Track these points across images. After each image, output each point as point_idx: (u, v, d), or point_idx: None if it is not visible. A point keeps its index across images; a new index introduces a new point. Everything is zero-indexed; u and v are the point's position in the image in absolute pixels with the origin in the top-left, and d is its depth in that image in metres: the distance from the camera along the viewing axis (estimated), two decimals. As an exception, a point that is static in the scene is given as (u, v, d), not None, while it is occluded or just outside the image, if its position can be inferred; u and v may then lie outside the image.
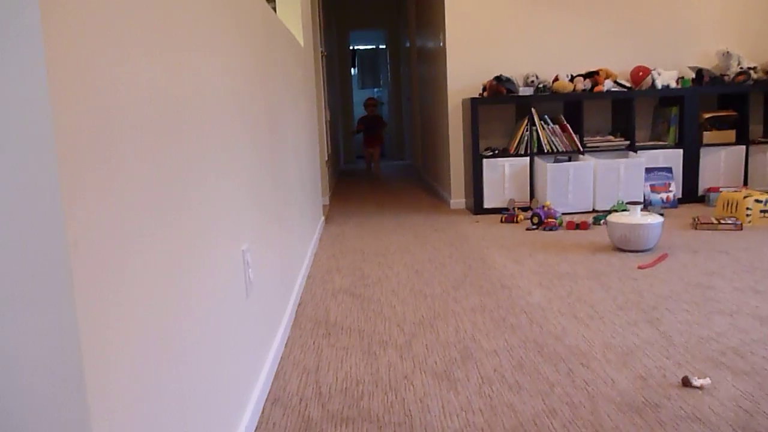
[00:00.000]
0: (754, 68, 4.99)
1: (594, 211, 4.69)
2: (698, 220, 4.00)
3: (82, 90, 0.81)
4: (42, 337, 0.76)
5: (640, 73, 4.91)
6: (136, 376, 0.94)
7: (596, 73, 4.92)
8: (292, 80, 3.18)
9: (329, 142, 6.31)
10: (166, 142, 1.12)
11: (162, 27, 1.14)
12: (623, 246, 3.44)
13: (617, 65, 5.03)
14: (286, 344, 2.25)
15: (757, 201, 4.01)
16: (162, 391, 1.04)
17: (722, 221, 3.92)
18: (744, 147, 4.97)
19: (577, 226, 4.12)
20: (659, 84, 4.89)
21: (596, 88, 4.87)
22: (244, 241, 1.72)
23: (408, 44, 9.24)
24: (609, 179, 4.70)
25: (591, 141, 4.94)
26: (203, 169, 1.36)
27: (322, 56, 5.70)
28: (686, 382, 1.79)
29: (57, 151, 0.73)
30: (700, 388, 1.77)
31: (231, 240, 1.58)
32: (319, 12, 5.71)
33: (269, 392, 1.87)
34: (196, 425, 1.22)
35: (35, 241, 0.74)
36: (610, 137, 5.00)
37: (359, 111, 11.51)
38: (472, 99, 4.79)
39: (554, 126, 4.88)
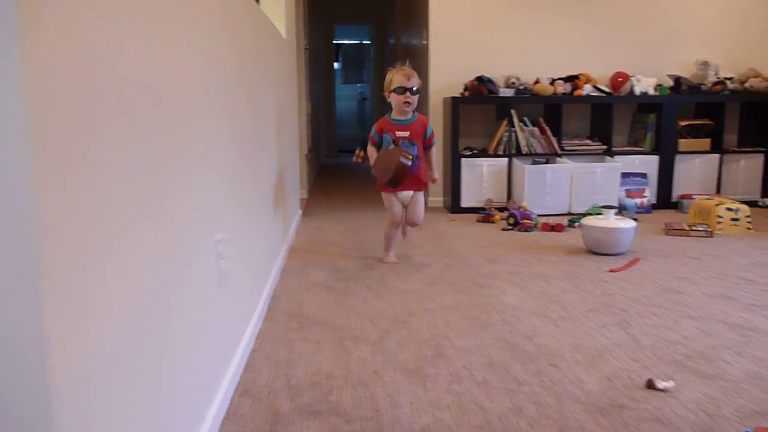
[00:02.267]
0: (731, 79, 5.07)
1: (569, 213, 4.73)
2: (671, 226, 4.06)
3: (58, 77, 0.81)
4: (10, 327, 0.75)
5: (620, 79, 4.96)
6: (104, 364, 0.93)
7: (576, 77, 4.96)
8: (274, 72, 3.17)
9: (310, 136, 6.29)
10: (142, 131, 1.12)
11: (141, 16, 1.13)
12: (597, 249, 3.48)
13: (597, 70, 5.08)
14: (258, 336, 2.25)
15: (729, 209, 4.08)
16: (131, 379, 1.04)
17: (694, 228, 3.98)
18: (718, 156, 5.05)
19: (552, 228, 4.16)
20: (638, 90, 4.94)
21: (576, 92, 4.91)
22: (219, 231, 1.71)
23: (392, 41, 9.24)
24: (585, 183, 4.75)
25: (569, 144, 4.98)
26: (179, 158, 1.35)
27: (305, 49, 5.68)
28: (651, 385, 1.82)
29: (30, 144, 0.73)
30: (665, 390, 1.80)
31: (204, 229, 1.57)
32: (303, 4, 5.68)
33: (239, 383, 1.87)
34: (165, 414, 1.21)
35: (6, 230, 0.74)
36: (588, 141, 5.05)
37: (342, 105, 11.49)
38: (453, 98, 4.81)
39: (533, 128, 4.91)
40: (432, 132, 3.31)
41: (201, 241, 1.54)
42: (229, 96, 1.94)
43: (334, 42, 11.26)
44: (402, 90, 3.16)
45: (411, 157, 3.13)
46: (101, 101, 0.95)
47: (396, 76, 3.19)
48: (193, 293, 1.45)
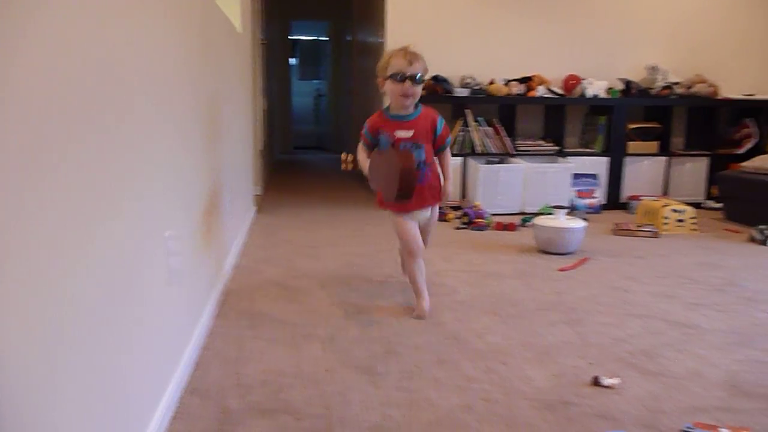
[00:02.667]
0: (678, 83, 5.22)
1: (522, 213, 4.80)
2: (619, 226, 4.16)
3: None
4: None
5: (572, 82, 5.06)
6: (47, 362, 0.91)
7: (530, 78, 5.04)
8: (228, 67, 3.13)
9: (265, 132, 6.23)
10: (85, 127, 1.09)
11: (93, 15, 1.11)
12: (547, 248, 3.54)
13: (551, 72, 5.16)
14: (209, 334, 2.22)
15: (674, 210, 4.20)
16: (76, 378, 1.01)
17: (641, 228, 4.09)
18: (665, 158, 5.20)
19: (505, 227, 4.22)
20: (590, 93, 5.05)
21: (530, 93, 4.99)
22: (168, 227, 1.69)
23: (349, 38, 9.22)
24: (538, 183, 4.83)
25: (522, 144, 5.05)
26: (125, 152, 1.32)
27: (261, 44, 5.62)
28: (596, 382, 1.87)
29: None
30: (610, 387, 1.85)
31: (153, 225, 1.55)
32: (260, -1, 5.62)
33: (188, 382, 1.84)
34: (112, 413, 1.19)
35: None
36: (541, 142, 5.13)
37: (298, 101, 11.43)
38: (409, 96, 4.82)
39: (488, 128, 4.97)
40: (445, 127, 2.52)
41: (150, 238, 1.51)
42: (178, 92, 1.91)
43: (291, 37, 11.18)
44: (401, 77, 2.34)
45: (413, 155, 2.37)
46: (38, 98, 0.93)
47: (394, 59, 2.36)
48: (141, 291, 1.42)
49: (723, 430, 1.60)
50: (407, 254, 2.51)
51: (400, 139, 2.41)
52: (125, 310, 1.30)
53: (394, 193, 2.28)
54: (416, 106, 2.44)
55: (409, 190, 2.30)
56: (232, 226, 3.26)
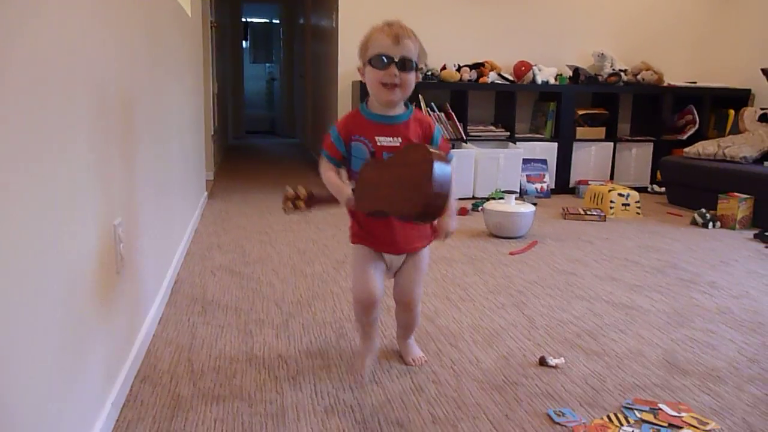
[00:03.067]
0: (625, 71, 5.35)
1: (473, 197, 4.87)
2: (567, 210, 4.26)
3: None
4: None
5: (522, 68, 5.13)
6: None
7: (482, 64, 5.09)
8: (177, 51, 3.08)
9: (217, 116, 6.15)
10: (30, 110, 1.07)
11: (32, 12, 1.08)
12: (498, 232, 3.60)
13: (502, 59, 5.23)
14: (160, 321, 2.21)
15: (620, 195, 4.32)
16: (26, 366, 1.00)
17: (588, 212, 4.20)
18: (612, 144, 5.33)
19: (457, 212, 4.27)
20: (539, 80, 5.13)
21: (481, 79, 5.05)
22: (117, 215, 1.67)
23: (302, 21, 9.14)
24: (489, 168, 4.90)
25: (474, 130, 5.11)
26: (70, 136, 1.30)
27: (211, 27, 5.53)
28: (543, 362, 1.93)
29: None
30: (555, 367, 1.91)
31: (101, 213, 1.53)
32: (210, -20, 5.53)
33: (139, 370, 1.83)
34: (59, 397, 1.18)
35: None
36: (492, 127, 5.20)
37: (250, 86, 11.29)
38: (361, 83, 4.81)
39: (440, 113, 5.01)
40: (444, 140, 1.85)
41: (98, 224, 1.49)
42: (125, 76, 1.88)
43: (242, 20, 11.02)
44: (383, 61, 1.66)
45: (449, 146, 1.81)
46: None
47: (375, 36, 1.70)
48: (90, 279, 1.41)
49: (661, 405, 1.67)
50: (355, 301, 1.82)
51: (382, 149, 1.70)
52: (74, 298, 1.29)
53: (416, 209, 1.49)
54: (406, 105, 1.76)
55: (442, 202, 1.49)
56: (184, 211, 3.23)
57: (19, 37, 1.03)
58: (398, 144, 1.71)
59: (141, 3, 2.13)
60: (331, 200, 1.75)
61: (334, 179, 1.73)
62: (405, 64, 1.66)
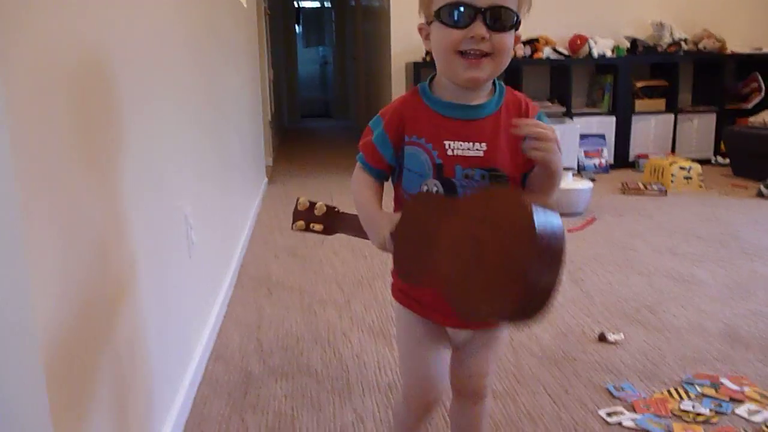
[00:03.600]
0: (685, 40, 5.19)
1: (530, 175, 4.84)
2: (626, 185, 4.20)
3: (14, 41, 0.85)
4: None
5: (578, 42, 5.05)
6: (83, 331, 1.00)
7: (536, 40, 5.03)
8: (235, 42, 3.17)
9: (273, 102, 6.28)
10: (108, 107, 1.16)
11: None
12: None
13: (556, 33, 5.15)
14: (229, 303, 2.32)
15: (681, 168, 4.24)
16: (108, 346, 1.10)
17: (648, 187, 4.13)
18: (673, 115, 5.21)
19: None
20: (596, 53, 5.04)
21: (535, 55, 4.99)
22: (187, 203, 1.76)
23: (353, 2, 9.17)
24: (545, 144, 4.85)
25: (529, 107, 5.07)
26: (146, 132, 1.39)
27: (265, 15, 5.63)
28: (602, 338, 1.95)
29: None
30: (615, 342, 1.93)
31: (173, 201, 1.62)
32: (262, -32, 5.62)
33: (212, 349, 1.94)
34: (143, 379, 1.28)
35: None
36: (548, 103, 5.15)
37: (304, 70, 11.43)
38: (415, 63, 4.84)
39: (494, 91, 4.98)
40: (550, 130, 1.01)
41: (171, 213, 1.59)
42: (187, 69, 1.97)
43: (294, 5, 11.13)
44: (461, 15, 0.98)
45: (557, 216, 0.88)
46: (50, 77, 0.99)
47: None
48: (165, 263, 1.51)
49: (723, 379, 1.68)
50: (406, 400, 1.20)
51: (455, 161, 1.04)
52: (152, 283, 1.39)
53: (504, 307, 0.90)
54: (494, 84, 1.08)
55: (549, 288, 0.90)
56: (246, 196, 3.34)
57: (117, 41, 1.12)
58: (482, 153, 1.03)
59: (204, 1, 2.22)
60: (360, 231, 1.17)
61: (368, 202, 1.12)
62: (499, 18, 0.98)
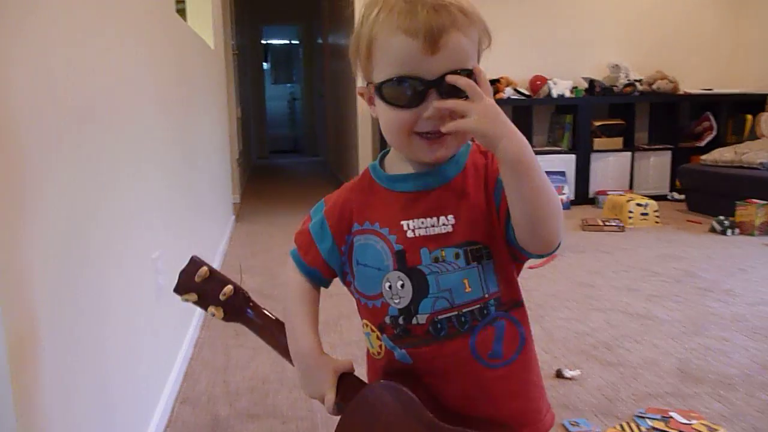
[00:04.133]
0: (640, 80, 5.41)
1: (494, 211, 4.94)
2: (586, 221, 4.33)
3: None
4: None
5: (538, 82, 5.22)
6: (50, 381, 1.03)
7: (497, 80, 5.20)
8: (203, 84, 3.24)
9: (241, 139, 6.33)
10: (77, 154, 1.21)
11: (73, 39, 1.22)
12: (517, 246, 3.69)
13: (517, 74, 5.32)
14: (196, 345, 2.34)
15: (638, 204, 4.39)
16: (70, 390, 1.13)
17: (607, 223, 4.27)
18: (630, 153, 5.39)
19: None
20: (555, 93, 5.22)
21: (497, 95, 5.15)
22: (156, 248, 1.80)
23: (320, 41, 9.33)
24: (508, 182, 4.98)
25: (492, 145, 5.21)
26: (115, 180, 1.44)
27: (233, 54, 5.72)
28: (559, 374, 2.01)
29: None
30: (572, 379, 2.00)
31: (142, 248, 1.66)
32: (230, 7, 5.72)
33: (179, 392, 1.96)
34: (108, 422, 1.31)
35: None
36: (510, 142, 5.29)
37: (272, 106, 11.51)
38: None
39: (458, 130, 5.11)
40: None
41: (139, 259, 1.63)
42: (157, 116, 2.02)
43: (262, 42, 11.25)
44: (409, 91, 0.79)
45: None
46: (34, 115, 1.04)
47: (383, 24, 0.79)
48: (133, 310, 1.54)
49: (673, 413, 1.75)
50: None
51: (417, 243, 0.85)
52: (119, 329, 1.42)
53: None
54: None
55: None
56: (214, 237, 3.37)
57: (80, 85, 1.17)
58: (450, 228, 0.85)
59: (172, 48, 2.28)
60: (285, 352, 0.98)
61: (301, 330, 0.96)
62: (455, 88, 0.78)
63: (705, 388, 1.92)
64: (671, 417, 1.73)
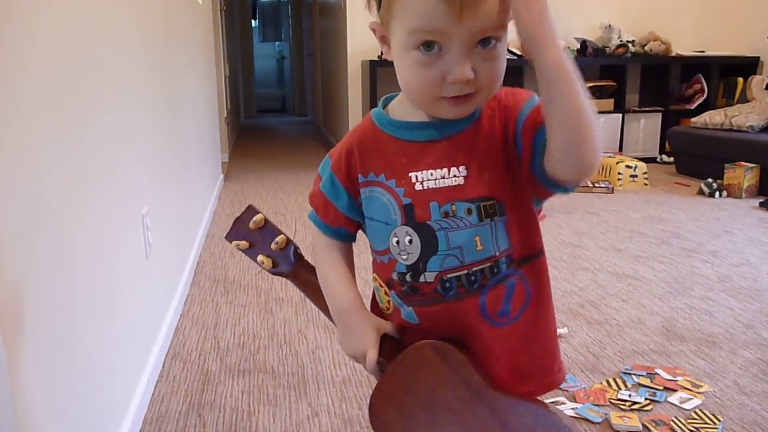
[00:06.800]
0: (633, 41, 5.37)
1: (484, 172, 4.94)
2: (575, 183, 4.34)
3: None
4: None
5: (530, 42, 5.16)
6: (39, 329, 1.03)
7: (489, 40, 5.13)
8: (190, 40, 3.18)
9: (229, 98, 6.26)
10: (61, 109, 1.19)
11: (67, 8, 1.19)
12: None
13: (509, 34, 5.25)
14: (186, 302, 2.34)
15: (628, 166, 4.40)
16: (64, 346, 1.13)
17: (596, 184, 4.28)
18: (621, 115, 5.38)
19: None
20: (547, 53, 5.16)
21: (489, 55, 5.09)
22: (144, 204, 1.79)
23: (310, -1, 9.18)
24: (498, 143, 4.97)
25: (483, 106, 5.18)
26: (102, 135, 1.42)
27: (220, 11, 5.61)
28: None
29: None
30: (559, 336, 2.02)
31: (131, 204, 1.65)
32: (218, -37, 5.60)
33: (169, 347, 1.97)
34: (99, 377, 1.31)
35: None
36: (501, 102, 5.26)
37: (260, 65, 11.36)
38: (371, 61, 4.89)
39: (449, 90, 5.07)
40: (534, 109, 0.80)
41: (128, 215, 1.61)
42: (143, 68, 1.99)
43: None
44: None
45: None
46: (23, 66, 1.02)
47: None
48: (122, 265, 1.53)
49: (658, 370, 1.78)
50: None
51: (428, 196, 0.81)
52: (109, 285, 1.41)
53: None
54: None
55: None
56: (203, 195, 3.35)
57: (49, 36, 1.14)
58: (462, 180, 0.81)
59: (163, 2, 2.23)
60: (326, 308, 0.96)
61: (339, 290, 0.93)
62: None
63: (689, 345, 1.96)
64: (656, 373, 1.76)
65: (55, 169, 1.11)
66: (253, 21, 11.37)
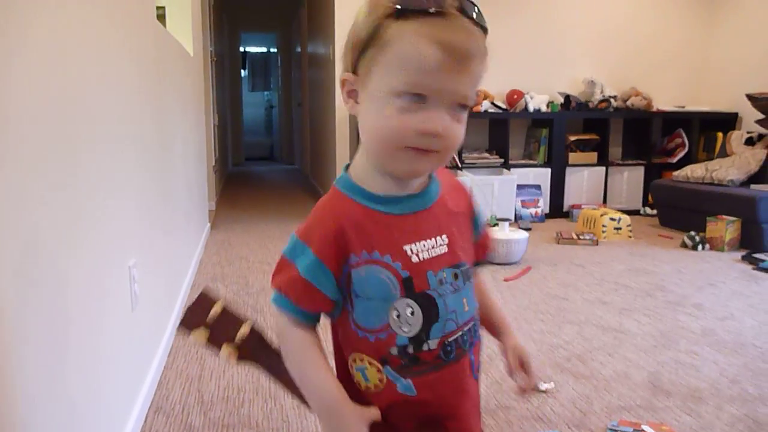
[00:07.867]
0: (615, 96, 5.50)
1: (470, 223, 4.98)
2: (561, 235, 4.38)
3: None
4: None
5: (515, 96, 5.28)
6: (22, 384, 1.02)
7: (475, 93, 5.24)
8: (181, 90, 3.22)
9: (217, 146, 6.30)
10: (53, 158, 1.20)
11: (54, 38, 1.22)
12: (493, 259, 3.72)
13: (495, 88, 5.38)
14: (170, 353, 2.31)
15: (611, 219, 4.45)
16: (51, 397, 1.12)
17: (581, 237, 4.32)
18: (604, 168, 5.47)
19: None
20: (531, 107, 5.28)
21: (474, 108, 5.19)
22: (131, 256, 1.79)
23: (299, 49, 9.33)
24: (484, 194, 5.02)
25: (469, 158, 5.25)
26: (93, 181, 1.43)
27: (212, 61, 5.70)
28: (534, 387, 2.03)
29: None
30: (545, 391, 2.02)
31: (119, 255, 1.65)
32: (210, 13, 5.70)
33: (152, 401, 1.94)
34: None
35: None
36: (486, 155, 5.34)
37: (249, 113, 11.48)
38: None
39: (436, 142, 5.14)
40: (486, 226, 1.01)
41: (115, 267, 1.61)
42: (135, 119, 2.01)
43: (241, 49, 11.23)
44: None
45: None
46: (11, 120, 1.03)
47: (408, 33, 0.74)
48: (108, 317, 1.52)
49: (644, 426, 1.78)
50: None
51: (424, 267, 0.84)
52: (95, 338, 1.40)
53: None
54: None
55: None
56: (189, 244, 3.35)
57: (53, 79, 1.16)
58: (446, 248, 0.86)
59: (152, 54, 2.27)
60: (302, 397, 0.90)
61: (321, 378, 0.87)
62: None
63: (675, 401, 1.96)
64: (643, 430, 1.76)
65: (48, 214, 1.11)
66: (242, 71, 11.53)
